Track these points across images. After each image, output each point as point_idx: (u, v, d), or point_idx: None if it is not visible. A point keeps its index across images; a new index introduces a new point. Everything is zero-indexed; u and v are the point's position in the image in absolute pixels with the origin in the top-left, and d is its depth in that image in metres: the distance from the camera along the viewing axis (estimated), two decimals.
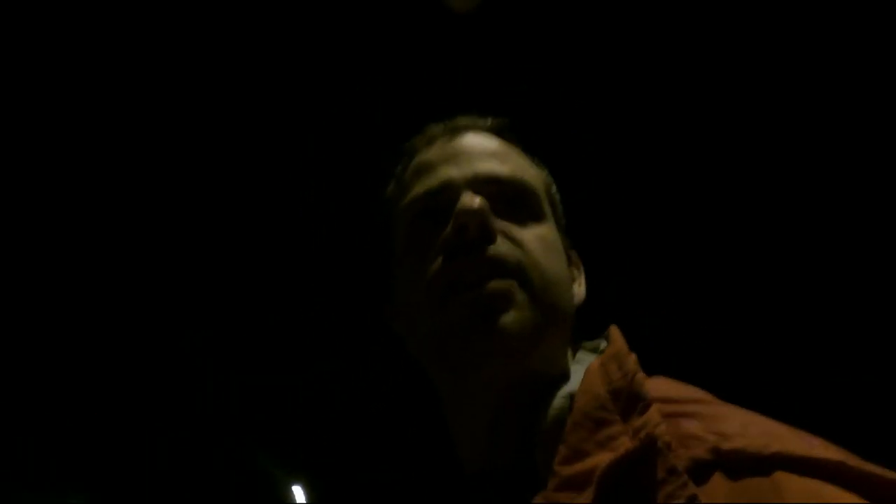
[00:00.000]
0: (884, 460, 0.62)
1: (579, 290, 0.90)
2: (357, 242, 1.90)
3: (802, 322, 2.25)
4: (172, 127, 2.08)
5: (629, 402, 0.69)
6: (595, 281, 0.94)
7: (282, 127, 2.16)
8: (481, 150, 0.85)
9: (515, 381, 0.76)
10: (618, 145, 2.26)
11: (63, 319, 2.13)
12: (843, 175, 2.23)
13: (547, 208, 0.87)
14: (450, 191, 0.81)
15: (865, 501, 0.58)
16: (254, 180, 2.20)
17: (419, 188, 0.84)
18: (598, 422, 0.69)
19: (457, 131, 0.87)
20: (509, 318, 0.74)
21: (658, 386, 0.74)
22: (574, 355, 0.83)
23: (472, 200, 0.78)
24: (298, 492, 3.28)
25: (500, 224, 0.79)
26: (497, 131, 0.89)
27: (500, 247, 0.77)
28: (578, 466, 0.66)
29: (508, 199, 0.82)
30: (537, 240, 0.81)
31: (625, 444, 0.65)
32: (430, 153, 0.86)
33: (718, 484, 0.61)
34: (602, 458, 0.65)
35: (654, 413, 0.67)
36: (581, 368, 0.79)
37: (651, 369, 0.78)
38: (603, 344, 0.82)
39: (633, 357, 0.76)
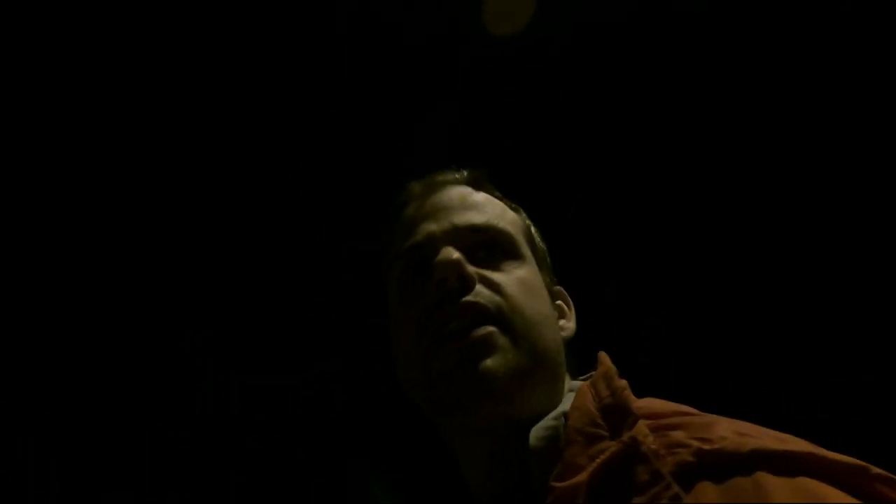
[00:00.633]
0: (884, 464, 0.66)
1: (568, 324, 0.94)
2: (357, 243, 1.91)
3: (802, 346, 2.27)
4: (172, 128, 2.10)
5: (618, 417, 0.73)
6: (588, 310, 0.97)
7: (283, 127, 2.16)
8: (459, 202, 0.91)
9: (505, 421, 0.80)
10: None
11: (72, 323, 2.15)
12: (840, 184, 2.25)
13: (526, 250, 0.91)
14: (430, 245, 0.87)
15: (841, 492, 0.62)
16: (254, 180, 2.20)
17: (404, 244, 0.89)
18: (589, 437, 0.72)
19: (435, 186, 0.93)
20: (492, 362, 0.78)
21: (646, 404, 0.77)
22: (567, 387, 0.86)
23: (449, 253, 0.83)
24: None
25: (479, 272, 0.84)
26: (473, 182, 0.94)
27: (480, 294, 0.82)
28: (571, 480, 0.69)
29: (486, 246, 0.88)
30: (516, 283, 0.85)
31: (609, 449, 0.68)
32: (412, 209, 0.92)
33: (705, 487, 0.63)
34: (588, 468, 0.68)
35: (640, 427, 0.70)
36: (573, 395, 0.82)
37: (646, 394, 0.81)
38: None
39: (622, 381, 0.79)
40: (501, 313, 0.81)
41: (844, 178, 2.25)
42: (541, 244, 0.97)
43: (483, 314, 0.81)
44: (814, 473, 0.63)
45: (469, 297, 0.81)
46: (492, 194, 0.95)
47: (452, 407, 0.81)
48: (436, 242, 0.87)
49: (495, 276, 0.85)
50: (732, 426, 0.69)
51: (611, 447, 0.69)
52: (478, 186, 0.94)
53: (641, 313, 2.12)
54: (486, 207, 0.91)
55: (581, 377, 0.88)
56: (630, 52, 2.20)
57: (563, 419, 0.78)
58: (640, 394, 0.80)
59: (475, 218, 0.89)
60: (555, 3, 2.16)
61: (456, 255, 0.83)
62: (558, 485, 0.70)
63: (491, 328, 0.80)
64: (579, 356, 0.91)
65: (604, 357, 0.84)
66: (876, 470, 0.64)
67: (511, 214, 0.94)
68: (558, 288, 0.97)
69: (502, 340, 0.80)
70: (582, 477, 0.68)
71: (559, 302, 0.95)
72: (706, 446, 0.66)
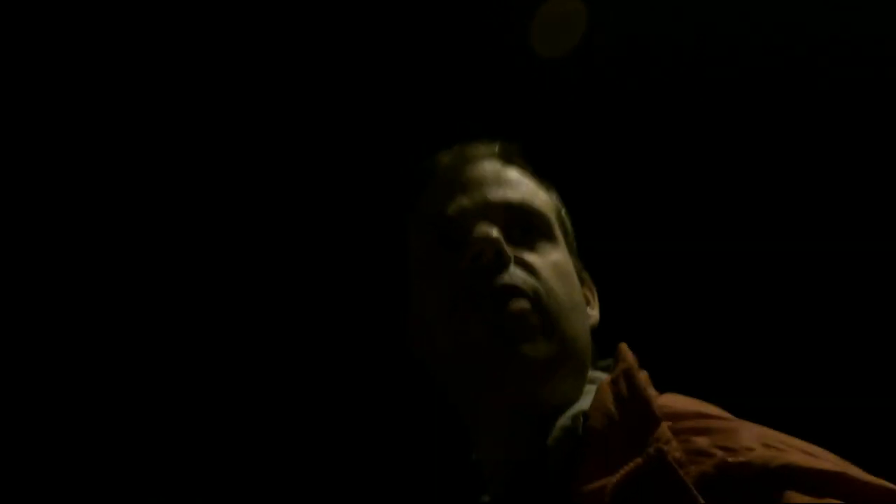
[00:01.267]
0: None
1: (593, 312, 0.92)
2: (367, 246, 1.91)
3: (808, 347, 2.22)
4: (173, 129, 2.09)
5: (640, 420, 0.70)
6: (608, 300, 0.95)
7: (287, 127, 2.14)
8: (493, 177, 0.87)
9: (531, 406, 0.78)
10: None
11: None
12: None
13: (558, 232, 0.89)
14: (464, 219, 0.84)
15: None
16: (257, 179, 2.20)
17: (433, 215, 0.86)
18: (612, 442, 0.70)
19: (467, 158, 0.90)
20: (529, 347, 0.76)
21: (669, 403, 0.74)
22: (588, 377, 0.84)
23: (487, 229, 0.80)
24: None
25: (514, 251, 0.81)
26: (506, 157, 0.91)
27: (515, 275, 0.79)
28: (592, 486, 0.67)
29: (521, 225, 0.85)
30: (551, 266, 0.83)
31: (635, 460, 0.66)
32: (443, 181, 0.89)
33: (727, 499, 0.61)
34: (613, 477, 0.66)
35: (663, 430, 0.68)
36: (593, 388, 0.80)
37: (664, 384, 0.79)
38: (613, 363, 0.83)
39: (643, 374, 0.78)
40: (537, 295, 0.79)
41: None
42: (570, 227, 0.94)
43: (518, 295, 0.78)
44: (844, 496, 0.60)
45: (505, 278, 0.79)
46: (524, 170, 0.92)
47: (479, 383, 0.79)
48: (468, 217, 0.84)
49: (530, 258, 0.82)
50: (758, 435, 0.66)
51: (636, 458, 0.66)
52: (510, 161, 0.91)
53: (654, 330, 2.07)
54: (520, 185, 0.89)
55: (600, 364, 0.86)
56: (675, 73, 2.20)
57: (582, 417, 0.76)
58: (658, 384, 0.78)
59: (510, 195, 0.86)
60: (603, 23, 2.15)
61: (496, 232, 0.80)
62: (582, 489, 0.68)
63: (527, 308, 0.78)
64: (597, 341, 0.89)
65: (625, 350, 0.82)
66: None
67: (544, 194, 0.91)
68: (585, 274, 0.94)
69: (536, 321, 0.78)
70: (605, 484, 0.66)
71: (585, 290, 0.92)
72: (730, 458, 0.63)
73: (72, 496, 2.07)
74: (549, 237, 0.87)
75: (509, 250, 0.80)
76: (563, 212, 0.94)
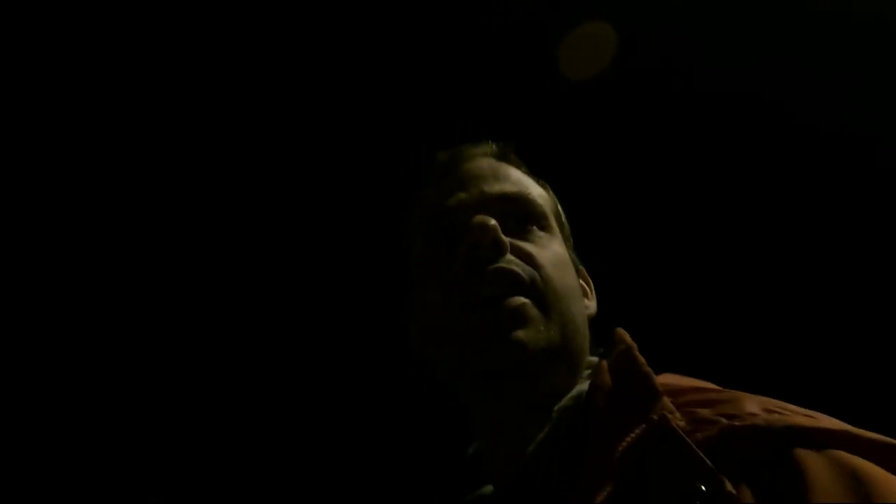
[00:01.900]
0: None
1: (591, 303, 0.94)
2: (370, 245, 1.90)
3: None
4: (171, 126, 2.09)
5: (642, 394, 0.71)
6: (604, 293, 0.96)
7: (291, 128, 2.15)
8: (489, 172, 0.90)
9: (530, 393, 0.79)
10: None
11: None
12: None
13: (554, 224, 0.90)
14: (460, 212, 0.86)
15: (878, 467, 0.60)
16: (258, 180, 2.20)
17: (432, 210, 0.88)
18: (615, 416, 0.71)
19: (463, 156, 0.92)
20: (524, 334, 0.77)
21: (667, 381, 0.75)
22: (585, 363, 0.85)
23: (484, 219, 0.81)
24: None
25: (512, 241, 0.83)
26: (501, 155, 0.94)
27: (512, 262, 0.81)
28: (598, 460, 0.68)
29: (518, 216, 0.87)
30: (548, 255, 0.84)
31: (640, 427, 0.66)
32: (440, 177, 0.91)
33: (738, 464, 0.61)
34: (619, 445, 0.66)
35: (665, 402, 0.69)
36: (591, 372, 0.81)
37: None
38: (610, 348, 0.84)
39: (636, 353, 0.78)
40: (534, 283, 0.80)
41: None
42: (566, 222, 0.96)
43: (516, 282, 0.79)
44: (848, 450, 0.61)
45: (502, 264, 0.80)
46: (519, 168, 0.94)
47: (480, 374, 0.79)
48: (466, 209, 0.86)
49: (527, 247, 0.84)
50: (759, 402, 0.67)
51: (639, 426, 0.67)
52: (506, 158, 0.94)
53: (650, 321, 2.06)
54: (517, 179, 0.91)
55: (598, 352, 0.87)
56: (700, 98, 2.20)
57: (583, 397, 0.77)
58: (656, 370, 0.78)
59: (507, 187, 0.88)
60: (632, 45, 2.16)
61: (492, 221, 0.81)
62: (588, 461, 0.69)
63: (524, 299, 0.79)
64: (595, 334, 0.89)
65: (622, 333, 0.83)
66: None
67: (540, 189, 0.93)
68: (581, 267, 0.95)
69: (534, 312, 0.79)
70: (611, 456, 0.66)
71: (581, 281, 0.93)
72: (737, 423, 0.64)
73: (72, 496, 2.07)
74: (546, 228, 0.88)
75: (506, 238, 0.82)
76: (559, 209, 0.96)
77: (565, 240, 0.92)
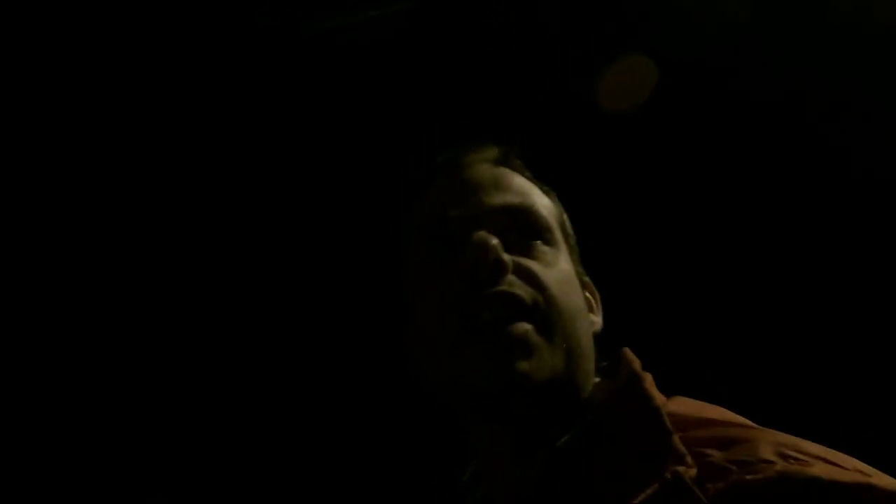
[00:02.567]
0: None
1: (597, 318, 0.88)
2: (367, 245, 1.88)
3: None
4: (168, 128, 2.08)
5: (651, 434, 0.68)
6: (611, 302, 0.91)
7: (293, 129, 2.14)
8: (491, 181, 0.85)
9: (535, 421, 0.75)
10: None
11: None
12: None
13: (559, 236, 0.85)
14: (460, 225, 0.81)
15: None
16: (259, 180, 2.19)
17: (429, 223, 0.84)
18: (621, 457, 0.68)
19: (464, 162, 0.87)
20: (528, 365, 0.73)
21: (677, 409, 0.71)
22: (592, 382, 0.80)
23: (485, 236, 0.77)
24: None
25: (514, 260, 0.78)
26: (504, 160, 0.89)
27: (515, 285, 0.76)
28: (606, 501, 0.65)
29: (521, 230, 0.82)
30: (553, 274, 0.79)
31: (652, 486, 0.63)
32: (440, 185, 0.87)
33: None
34: (626, 496, 0.63)
35: (676, 444, 0.65)
36: (598, 397, 0.77)
37: (667, 386, 0.76)
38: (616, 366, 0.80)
39: (648, 378, 0.75)
40: (537, 306, 0.76)
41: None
42: (571, 232, 0.90)
43: (518, 306, 0.75)
44: None
45: (503, 287, 0.75)
46: (522, 174, 0.89)
47: (480, 402, 0.75)
48: (467, 222, 0.81)
49: (531, 265, 0.78)
50: (775, 444, 0.62)
51: (652, 481, 0.63)
52: (509, 164, 0.89)
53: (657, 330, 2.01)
54: (520, 188, 0.86)
55: (602, 366, 0.83)
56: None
57: (589, 431, 0.73)
58: (662, 387, 0.75)
59: (510, 199, 0.83)
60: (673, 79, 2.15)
61: (494, 240, 0.77)
62: None
63: (527, 326, 0.74)
64: (600, 346, 0.85)
65: (629, 356, 0.79)
66: None
67: (545, 198, 0.88)
68: (586, 279, 0.90)
69: (538, 339, 0.74)
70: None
71: (587, 294, 0.88)
72: (748, 476, 0.59)
73: (71, 496, 2.06)
74: (550, 242, 0.83)
75: (508, 258, 0.77)
76: (565, 217, 0.91)
77: (571, 251, 0.87)
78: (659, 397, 0.73)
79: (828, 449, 0.63)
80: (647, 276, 2.16)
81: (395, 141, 2.06)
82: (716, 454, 0.63)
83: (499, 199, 0.83)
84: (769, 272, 2.26)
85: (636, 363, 0.77)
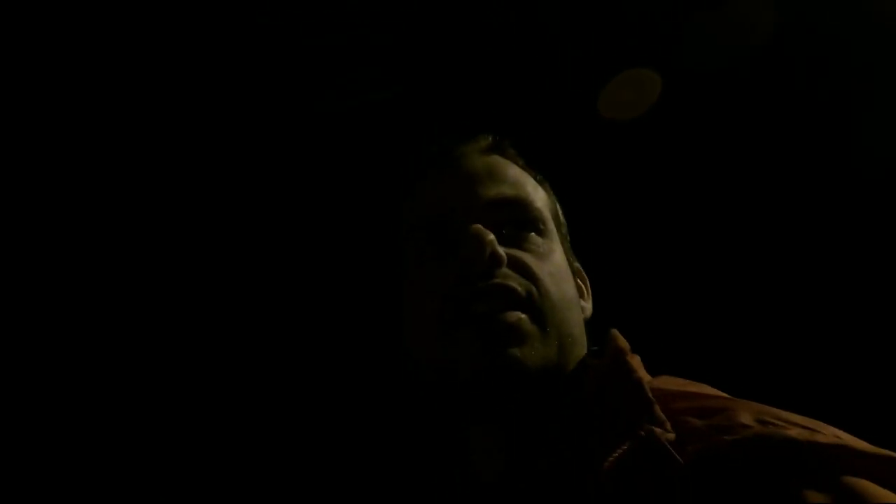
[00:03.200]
0: None
1: (587, 304, 0.90)
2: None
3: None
4: (167, 125, 2.09)
5: (631, 402, 0.69)
6: (601, 289, 0.93)
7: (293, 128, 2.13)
8: (485, 171, 0.85)
9: (525, 407, 0.76)
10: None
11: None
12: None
13: (552, 226, 0.87)
14: (455, 217, 0.82)
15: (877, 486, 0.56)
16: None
17: (426, 214, 0.84)
18: (604, 426, 0.69)
19: (457, 152, 0.88)
20: (520, 352, 0.74)
21: (661, 384, 0.73)
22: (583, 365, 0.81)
23: (480, 230, 0.78)
24: None
25: (508, 252, 0.79)
26: (498, 149, 0.89)
27: (509, 277, 0.77)
28: (584, 474, 0.66)
29: (515, 223, 0.83)
30: (546, 266, 0.81)
31: (626, 443, 0.64)
32: (434, 176, 0.87)
33: (724, 478, 0.58)
34: (606, 461, 0.64)
35: (656, 412, 0.66)
36: (587, 376, 0.78)
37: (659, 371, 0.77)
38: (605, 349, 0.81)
39: (635, 358, 0.76)
40: (531, 298, 0.77)
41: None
42: (563, 221, 0.92)
43: (512, 298, 0.76)
44: (844, 468, 0.57)
45: (498, 279, 0.77)
46: (516, 163, 0.89)
47: (471, 390, 0.75)
48: (462, 215, 0.82)
49: (524, 258, 0.80)
50: (754, 412, 0.63)
51: (626, 442, 0.64)
52: (502, 153, 0.89)
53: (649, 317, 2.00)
54: (515, 179, 0.86)
55: (592, 350, 0.83)
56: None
57: (577, 404, 0.74)
58: (651, 369, 0.76)
59: (504, 190, 0.84)
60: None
61: (490, 235, 0.78)
62: (577, 476, 0.67)
63: (520, 314, 0.76)
64: (591, 331, 0.86)
65: (616, 335, 0.79)
66: None
67: (539, 189, 0.89)
68: (577, 266, 0.91)
69: (531, 328, 0.76)
70: (599, 469, 0.64)
71: (578, 281, 0.89)
72: (727, 436, 0.60)
73: (72, 496, 2.04)
74: (543, 233, 0.84)
75: (502, 251, 0.78)
76: (557, 205, 0.92)
77: (563, 240, 0.89)
78: (644, 373, 0.74)
79: (808, 419, 0.63)
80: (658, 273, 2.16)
81: (392, 140, 2.06)
82: (695, 421, 0.64)
83: (493, 190, 0.84)
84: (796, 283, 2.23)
85: (621, 340, 0.79)
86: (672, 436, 0.63)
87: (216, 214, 2.15)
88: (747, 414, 0.63)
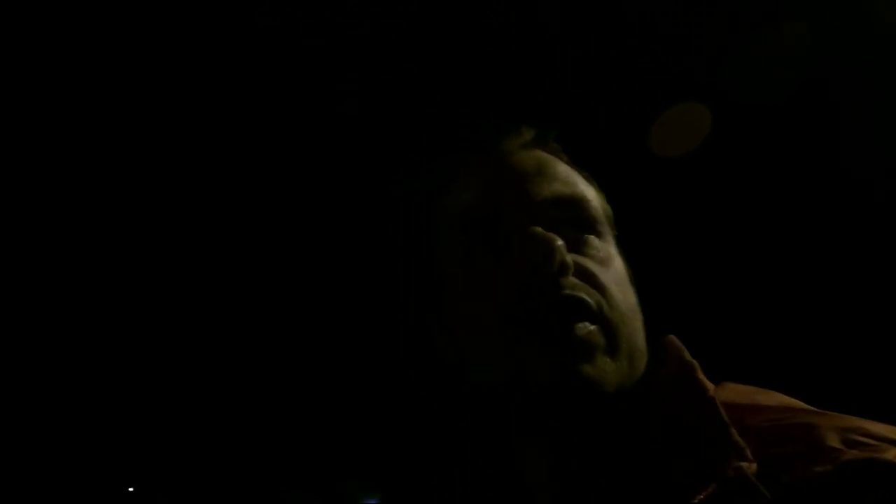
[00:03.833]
0: None
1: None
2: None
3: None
4: (175, 131, 2.10)
5: (707, 429, 0.65)
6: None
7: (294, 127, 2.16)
8: (534, 169, 0.79)
9: (591, 423, 0.72)
10: None
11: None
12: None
13: (607, 228, 0.81)
14: (508, 218, 0.76)
15: None
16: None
17: (469, 214, 0.78)
18: (679, 454, 0.65)
19: (505, 147, 0.81)
20: (593, 370, 0.69)
21: (728, 396, 0.69)
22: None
23: (549, 237, 0.72)
24: None
25: (573, 259, 0.73)
26: (544, 144, 0.82)
27: (578, 287, 0.72)
28: (661, 499, 0.64)
29: (573, 224, 0.77)
30: (609, 273, 0.76)
31: (712, 480, 0.61)
32: (477, 172, 0.80)
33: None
34: (686, 495, 0.61)
35: (734, 438, 0.63)
36: (648, 387, 0.74)
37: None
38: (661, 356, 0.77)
39: (698, 369, 0.72)
40: (602, 312, 0.72)
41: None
42: (611, 215, 0.85)
43: (585, 310, 0.71)
44: None
45: (568, 290, 0.71)
46: (561, 159, 0.82)
47: (538, 404, 0.71)
48: (514, 215, 0.75)
49: (588, 264, 0.74)
50: (839, 429, 0.59)
51: (712, 483, 0.61)
52: (549, 148, 0.82)
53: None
54: (566, 177, 0.79)
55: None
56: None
57: (644, 426, 0.71)
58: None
59: (558, 189, 0.77)
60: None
61: (559, 240, 0.72)
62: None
63: (591, 327, 0.70)
64: None
65: (678, 346, 0.75)
66: None
67: (591, 188, 0.82)
68: (629, 269, 0.84)
69: (602, 342, 0.71)
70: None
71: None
72: (818, 466, 0.56)
73: (71, 496, 2.05)
74: (601, 235, 0.78)
75: (570, 259, 0.72)
76: (606, 203, 0.85)
77: (615, 240, 0.82)
78: (710, 386, 0.70)
79: (890, 427, 0.60)
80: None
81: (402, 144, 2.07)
82: (777, 445, 0.60)
83: (547, 189, 0.77)
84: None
85: (684, 351, 0.74)
86: (755, 467, 0.59)
87: (216, 214, 2.16)
88: (832, 434, 0.59)
